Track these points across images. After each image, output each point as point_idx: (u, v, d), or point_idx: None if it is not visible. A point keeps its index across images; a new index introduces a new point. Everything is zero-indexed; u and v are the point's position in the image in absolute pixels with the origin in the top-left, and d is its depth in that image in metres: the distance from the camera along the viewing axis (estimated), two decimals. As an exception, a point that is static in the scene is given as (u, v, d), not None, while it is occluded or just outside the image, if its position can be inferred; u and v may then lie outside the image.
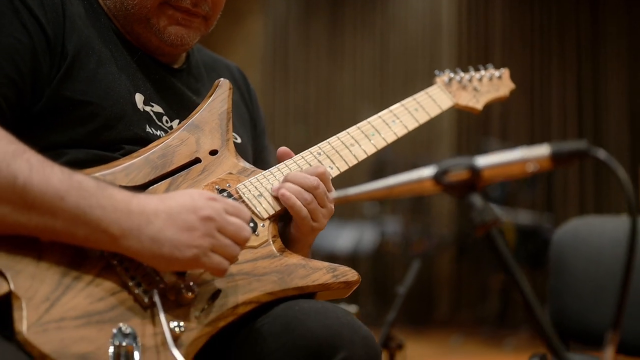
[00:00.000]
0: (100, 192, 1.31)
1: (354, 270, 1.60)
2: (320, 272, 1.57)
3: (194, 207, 1.36)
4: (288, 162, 1.70)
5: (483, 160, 1.11)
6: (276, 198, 1.61)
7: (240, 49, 9.73)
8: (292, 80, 9.76)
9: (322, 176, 1.63)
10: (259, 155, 1.90)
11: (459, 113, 8.03)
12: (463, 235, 8.35)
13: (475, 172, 1.10)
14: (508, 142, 8.01)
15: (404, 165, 7.68)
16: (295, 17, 9.96)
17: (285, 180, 1.61)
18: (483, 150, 7.75)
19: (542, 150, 1.08)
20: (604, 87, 8.31)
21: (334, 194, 1.21)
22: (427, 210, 8.47)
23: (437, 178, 1.12)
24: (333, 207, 1.67)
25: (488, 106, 2.10)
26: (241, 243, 1.40)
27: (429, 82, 2.01)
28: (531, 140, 8.13)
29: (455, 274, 8.63)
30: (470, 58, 8.48)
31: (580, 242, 2.62)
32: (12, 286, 1.24)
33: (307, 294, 1.56)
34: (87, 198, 1.29)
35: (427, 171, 1.13)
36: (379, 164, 7.84)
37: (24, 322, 1.21)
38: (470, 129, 8.67)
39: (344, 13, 9.67)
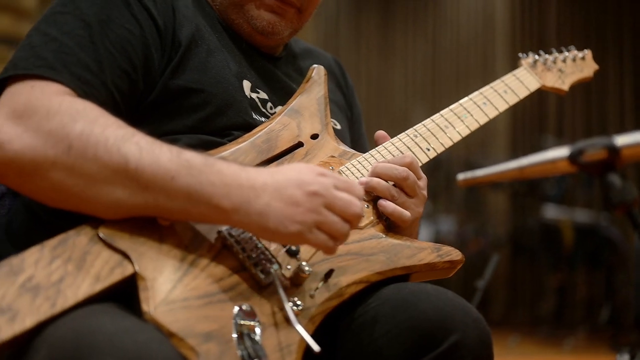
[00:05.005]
0: (209, 169, 1.31)
1: (457, 250, 1.60)
2: (425, 252, 1.57)
3: (300, 182, 1.33)
4: (386, 144, 1.71)
5: (622, 140, 1.10)
6: None
7: (292, 47, 9.74)
8: (343, 78, 9.73)
9: (410, 166, 1.61)
10: (357, 142, 1.92)
11: (514, 110, 7.97)
12: (518, 234, 8.27)
13: (613, 151, 1.09)
14: (564, 139, 7.92)
15: (457, 165, 7.65)
16: (346, 15, 9.95)
17: (373, 173, 1.60)
18: (539, 147, 7.68)
19: (685, 128, 1.06)
20: (662, 81, 8.18)
21: (462, 175, 1.21)
22: (482, 208, 8.41)
23: (573, 158, 1.11)
24: (425, 194, 1.65)
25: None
26: (350, 219, 1.35)
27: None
28: (588, 137, 8.02)
29: (511, 272, 8.55)
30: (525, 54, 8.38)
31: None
32: (137, 267, 1.26)
33: (413, 273, 1.56)
34: (196, 176, 1.29)
35: (562, 151, 1.12)
36: (433, 162, 7.79)
37: (150, 302, 1.23)
38: (525, 126, 8.58)
39: (395, 10, 9.64)
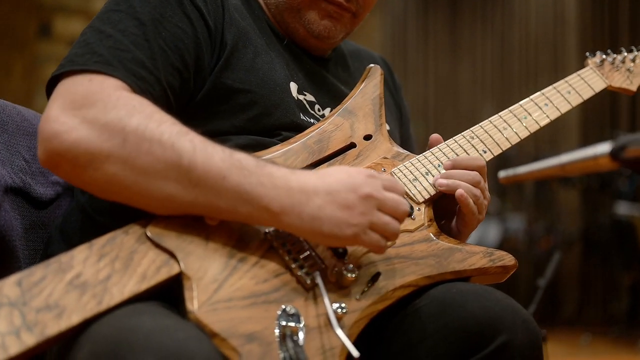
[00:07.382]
0: (260, 170, 1.33)
1: (510, 255, 1.57)
2: (477, 257, 1.54)
3: (353, 185, 1.35)
4: (441, 146, 1.69)
5: (665, 135, 1.07)
6: (432, 184, 1.61)
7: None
8: (410, 76, 9.69)
9: (482, 170, 1.62)
10: (405, 143, 1.90)
11: (585, 105, 7.83)
12: (590, 231, 8.12)
13: (656, 147, 1.07)
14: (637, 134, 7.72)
15: (527, 161, 7.49)
16: (414, 13, 9.90)
17: (450, 176, 1.60)
18: (611, 144, 7.51)
19: None
20: None
21: (503, 173, 1.20)
22: (552, 206, 8.28)
23: (615, 154, 1.09)
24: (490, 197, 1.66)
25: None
26: (400, 218, 1.39)
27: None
28: (662, 133, 7.83)
29: (583, 271, 8.39)
30: (596, 51, 8.20)
31: None
32: (182, 267, 1.28)
33: (463, 278, 1.54)
34: (247, 177, 1.31)
35: (603, 147, 1.10)
36: (502, 159, 7.71)
37: (195, 302, 1.24)
38: (596, 122, 8.40)
39: (463, 7, 9.57)
